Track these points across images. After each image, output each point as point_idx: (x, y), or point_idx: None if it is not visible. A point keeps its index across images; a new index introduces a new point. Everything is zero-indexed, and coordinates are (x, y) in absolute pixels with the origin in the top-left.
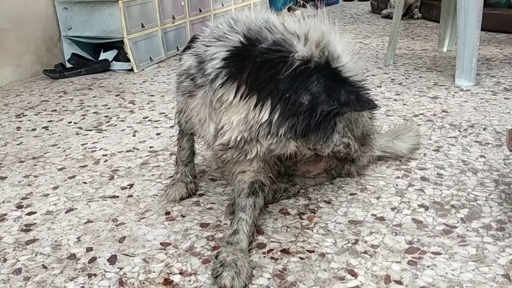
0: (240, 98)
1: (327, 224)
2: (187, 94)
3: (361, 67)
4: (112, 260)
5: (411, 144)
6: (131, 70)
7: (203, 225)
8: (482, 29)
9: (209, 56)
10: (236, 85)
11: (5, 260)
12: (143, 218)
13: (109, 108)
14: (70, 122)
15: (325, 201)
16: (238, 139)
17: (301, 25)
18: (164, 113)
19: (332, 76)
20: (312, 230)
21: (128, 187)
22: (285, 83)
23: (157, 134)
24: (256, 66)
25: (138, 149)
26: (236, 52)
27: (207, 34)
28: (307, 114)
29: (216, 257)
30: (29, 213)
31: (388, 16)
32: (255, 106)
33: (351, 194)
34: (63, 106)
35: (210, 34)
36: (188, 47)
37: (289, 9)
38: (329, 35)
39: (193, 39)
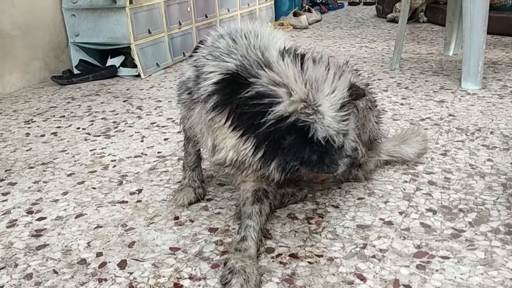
0: (230, 125)
1: (335, 228)
2: (186, 107)
3: (348, 120)
4: (122, 265)
5: (419, 148)
6: (138, 75)
7: (212, 230)
8: (488, 33)
9: (204, 74)
10: (227, 113)
11: (16, 265)
12: (152, 223)
13: (117, 114)
14: (78, 128)
15: (333, 205)
16: (234, 159)
17: (295, 71)
18: (171, 118)
19: (305, 135)
20: (320, 235)
21: (137, 192)
22: (268, 128)
23: (165, 139)
24: (244, 102)
25: (146, 154)
26: (227, 80)
27: (208, 45)
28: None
29: (225, 264)
30: (39, 219)
31: (394, 20)
32: (241, 137)
33: (359, 199)
34: (71, 112)
35: (210, 46)
36: (194, 53)
37: (295, 14)
38: (322, 81)
39: (199, 45)
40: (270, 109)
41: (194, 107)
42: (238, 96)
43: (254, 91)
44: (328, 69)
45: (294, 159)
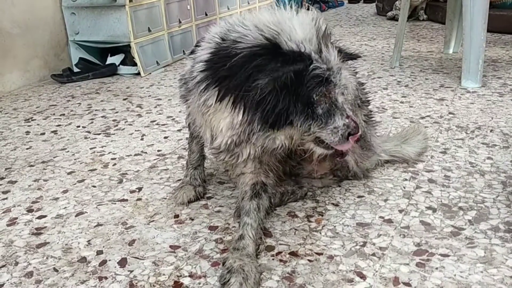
0: (221, 100)
1: (335, 226)
2: (184, 98)
3: (314, 33)
4: (122, 263)
5: (420, 147)
6: (138, 74)
7: (212, 228)
8: (488, 31)
9: (198, 59)
10: (217, 89)
11: (16, 263)
12: (152, 221)
13: (116, 112)
14: (78, 126)
15: (333, 203)
16: (228, 143)
17: (255, 18)
18: (171, 116)
19: (272, 55)
20: (320, 233)
21: (137, 190)
22: (241, 77)
23: (165, 137)
24: (222, 64)
25: (146, 152)
26: (215, 53)
27: (205, 39)
28: (263, 103)
29: (223, 263)
30: (40, 217)
31: (394, 18)
32: (233, 108)
33: (358, 197)
34: (71, 110)
35: (206, 38)
36: (194, 51)
37: None
38: (285, 22)
39: (199, 42)
40: (240, 47)
41: (188, 97)
42: (222, 59)
43: (233, 38)
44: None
45: (270, 75)
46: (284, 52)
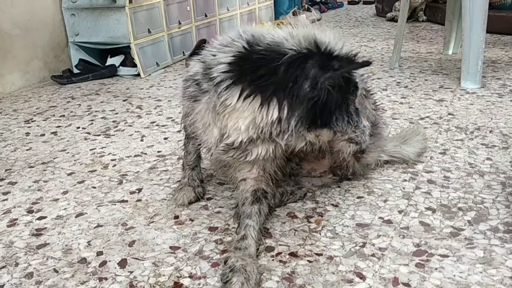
0: (244, 99)
1: (334, 227)
2: (192, 98)
3: (350, 50)
4: (122, 264)
5: (419, 148)
6: (138, 75)
7: (212, 229)
8: (487, 32)
9: (215, 61)
10: (240, 88)
11: (17, 264)
12: (152, 222)
13: (116, 113)
14: (78, 127)
15: (332, 204)
16: (245, 141)
17: (288, 30)
18: (171, 117)
19: (324, 57)
20: (320, 233)
21: (137, 191)
22: (284, 76)
23: (165, 138)
24: (255, 66)
25: (146, 153)
26: (239, 56)
27: (215, 45)
28: (313, 100)
29: (225, 262)
30: (40, 218)
31: (393, 19)
32: (261, 107)
33: (358, 197)
34: (71, 112)
35: (219, 44)
36: (194, 52)
37: (294, 13)
38: (314, 30)
39: (200, 44)
40: (282, 51)
41: (200, 97)
42: (251, 61)
43: (265, 43)
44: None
45: (325, 74)
46: (337, 56)
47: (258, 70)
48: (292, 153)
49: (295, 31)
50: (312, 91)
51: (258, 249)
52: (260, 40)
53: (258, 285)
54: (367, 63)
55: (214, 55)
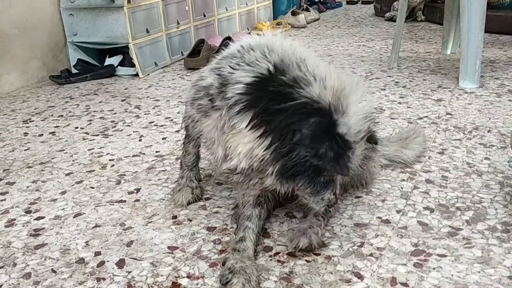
0: (251, 128)
1: (333, 227)
2: (202, 112)
3: (364, 129)
4: (120, 264)
5: (419, 151)
6: (136, 75)
7: (210, 229)
8: (485, 31)
9: (234, 79)
10: (251, 115)
11: (14, 264)
12: (150, 222)
13: (115, 113)
14: (76, 128)
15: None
16: (246, 167)
17: (329, 70)
18: (169, 117)
19: (327, 125)
20: None
21: (135, 191)
22: (286, 119)
23: (163, 138)
24: (270, 97)
25: (144, 153)
26: (260, 80)
27: (233, 53)
28: (293, 155)
29: (223, 264)
30: (38, 218)
31: (392, 19)
32: (259, 138)
33: (356, 197)
34: (70, 112)
35: (240, 57)
36: (193, 51)
37: (293, 13)
38: (351, 90)
39: (199, 43)
40: (298, 93)
41: (211, 114)
42: (269, 89)
43: (292, 76)
44: (358, 85)
45: (308, 149)
46: (337, 134)
47: (273, 103)
48: None
49: (333, 78)
50: (293, 148)
51: (256, 250)
52: (289, 70)
53: (257, 286)
54: (346, 173)
55: (233, 69)
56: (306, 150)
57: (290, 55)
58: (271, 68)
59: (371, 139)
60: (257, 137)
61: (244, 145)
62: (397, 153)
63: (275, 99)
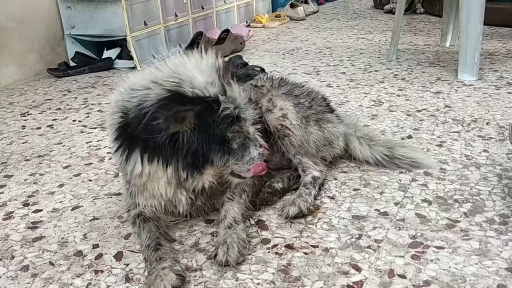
0: (148, 162)
1: (331, 219)
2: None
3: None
4: (118, 256)
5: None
6: (134, 68)
7: (208, 222)
8: (484, 24)
9: (108, 123)
10: (139, 153)
11: (12, 257)
12: None
13: None
14: (74, 121)
15: (328, 196)
16: (188, 202)
17: (161, 72)
18: None
19: (174, 101)
20: (316, 226)
21: None
22: (144, 129)
23: None
24: (136, 126)
25: None
26: (123, 119)
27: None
28: (182, 141)
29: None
30: (36, 211)
31: (391, 11)
32: (162, 165)
33: (354, 190)
34: (68, 105)
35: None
36: (190, 45)
37: (292, 5)
38: (184, 71)
39: (197, 36)
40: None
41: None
42: (137, 127)
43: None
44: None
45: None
46: (190, 97)
47: (138, 132)
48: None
49: (157, 76)
50: (163, 137)
51: (245, 220)
52: (132, 99)
53: (241, 253)
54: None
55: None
56: (166, 114)
57: (135, 82)
58: (124, 103)
59: (244, 77)
60: (161, 167)
61: (162, 179)
62: (403, 152)
63: (137, 127)
